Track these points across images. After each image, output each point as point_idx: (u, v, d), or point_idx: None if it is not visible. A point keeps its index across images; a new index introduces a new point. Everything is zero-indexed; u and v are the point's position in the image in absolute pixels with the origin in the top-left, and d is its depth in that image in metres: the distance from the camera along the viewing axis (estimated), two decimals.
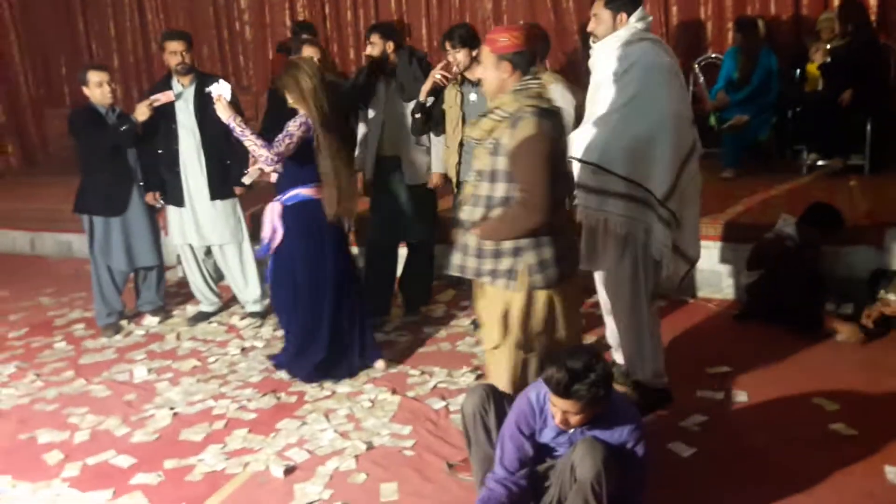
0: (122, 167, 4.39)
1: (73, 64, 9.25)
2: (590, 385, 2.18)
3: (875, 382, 3.31)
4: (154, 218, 4.60)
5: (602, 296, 3.36)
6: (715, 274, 4.48)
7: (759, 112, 5.78)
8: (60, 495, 2.91)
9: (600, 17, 3.03)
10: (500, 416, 2.54)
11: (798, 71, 6.07)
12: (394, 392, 3.58)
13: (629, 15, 2.98)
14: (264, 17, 8.34)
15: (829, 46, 5.53)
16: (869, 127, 5.32)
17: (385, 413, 3.38)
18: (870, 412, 3.07)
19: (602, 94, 3.03)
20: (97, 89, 4.33)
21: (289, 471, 2.96)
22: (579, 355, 2.22)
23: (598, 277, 3.31)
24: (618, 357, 3.44)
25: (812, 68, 5.96)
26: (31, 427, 3.45)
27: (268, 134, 4.45)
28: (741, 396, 3.30)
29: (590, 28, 3.10)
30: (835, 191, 5.02)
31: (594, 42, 3.09)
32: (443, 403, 3.43)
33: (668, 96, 2.91)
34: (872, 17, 5.78)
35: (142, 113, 4.23)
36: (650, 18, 3.05)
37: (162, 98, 4.27)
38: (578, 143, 3.01)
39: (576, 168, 3.06)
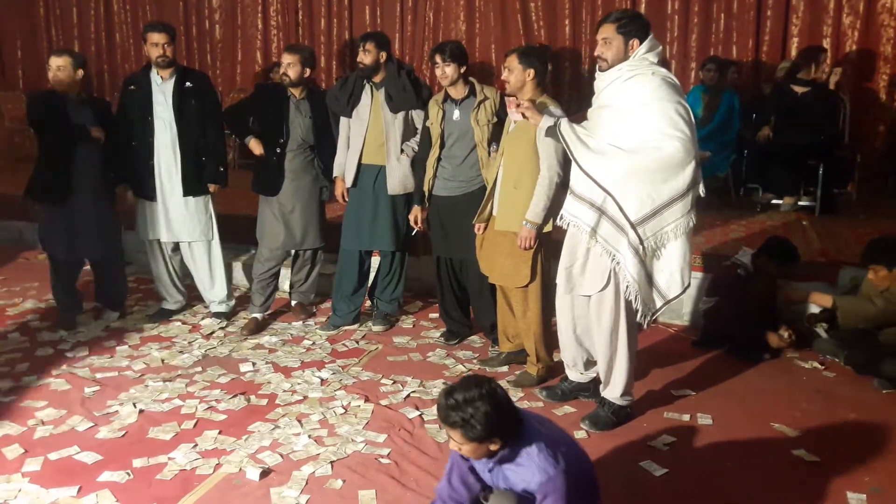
0: (67, 156, 4.21)
1: (30, 48, 8.99)
2: (461, 417, 2.19)
3: (831, 412, 3.47)
4: (108, 212, 4.43)
5: (565, 314, 3.41)
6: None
7: (720, 149, 6.05)
8: (22, 490, 2.78)
9: (611, 42, 3.03)
10: None
11: (755, 114, 6.38)
12: (367, 399, 3.57)
13: (641, 42, 3.02)
14: (236, 18, 8.27)
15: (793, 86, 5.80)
16: (821, 171, 5.62)
17: (359, 420, 3.36)
18: (829, 440, 3.22)
19: (605, 120, 3.08)
20: (49, 73, 4.21)
21: (264, 474, 2.92)
22: (470, 387, 2.23)
23: (571, 297, 3.35)
24: (572, 374, 3.54)
25: None
26: None
27: (228, 119, 4.52)
28: (706, 419, 3.41)
29: (598, 52, 3.09)
30: (789, 229, 5.28)
31: (601, 67, 3.11)
32: (417, 413, 3.44)
33: (671, 141, 2.93)
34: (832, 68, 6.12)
35: (95, 133, 4.21)
36: (660, 48, 3.07)
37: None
38: (584, 155, 3.07)
39: (573, 174, 3.15)
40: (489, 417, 2.19)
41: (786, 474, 2.97)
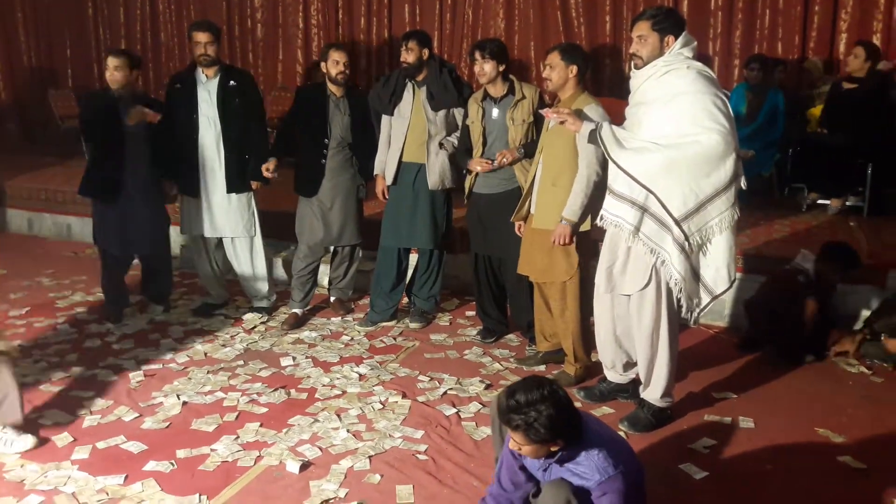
0: (118, 154, 4.31)
1: (79, 47, 9.23)
2: (524, 420, 2.18)
3: (879, 418, 3.38)
4: (159, 208, 4.55)
5: (604, 314, 3.38)
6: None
7: (764, 148, 5.94)
8: (71, 477, 2.87)
9: (647, 39, 3.03)
10: None
11: (800, 112, 6.25)
12: (404, 396, 3.59)
13: (676, 38, 3.00)
14: (277, 16, 8.37)
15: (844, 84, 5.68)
16: (870, 170, 5.47)
17: (396, 416, 3.39)
18: (877, 447, 3.14)
19: (643, 116, 3.06)
20: (107, 72, 4.34)
21: (304, 467, 2.96)
22: (532, 389, 2.22)
23: (611, 297, 3.33)
24: (610, 375, 3.52)
25: (815, 110, 6.14)
26: (37, 408, 3.41)
27: (290, 133, 4.52)
28: (747, 423, 3.36)
29: (633, 50, 3.09)
30: (836, 230, 5.16)
31: (636, 65, 3.11)
32: (453, 410, 3.45)
33: (710, 134, 2.90)
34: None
35: (133, 117, 4.22)
36: (695, 43, 3.05)
37: (150, 116, 4.25)
38: (622, 154, 3.05)
39: (610, 174, 3.13)
40: (552, 420, 2.18)
41: (831, 481, 2.91)
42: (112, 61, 4.31)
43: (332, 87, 4.34)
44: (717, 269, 3.07)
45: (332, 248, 4.68)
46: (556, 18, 7.22)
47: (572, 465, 2.29)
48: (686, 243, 3.01)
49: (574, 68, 3.51)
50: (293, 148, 4.53)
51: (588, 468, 2.26)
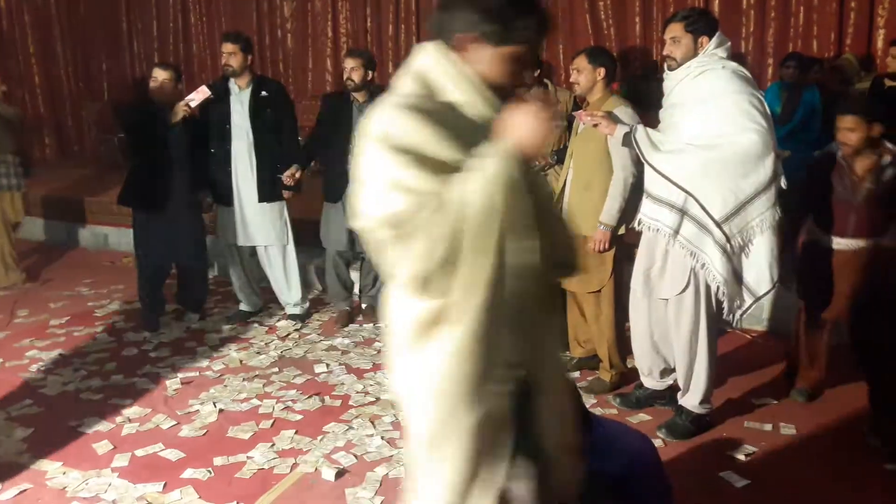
0: (161, 164, 4.36)
1: (114, 60, 9.41)
2: None
3: None
4: (200, 217, 4.61)
5: (641, 320, 3.34)
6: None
7: (802, 148, 5.81)
8: (111, 485, 2.91)
9: (680, 40, 3.00)
10: None
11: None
12: None
13: (710, 38, 2.97)
14: (307, 27, 8.44)
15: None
16: None
17: None
18: None
19: (678, 117, 3.03)
20: (154, 83, 4.41)
21: (339, 474, 2.96)
22: None
23: (648, 302, 3.29)
24: (647, 382, 3.47)
25: None
26: (78, 416, 3.47)
27: (319, 140, 4.56)
28: (789, 429, 3.29)
29: (666, 51, 3.07)
30: None
31: (670, 66, 3.08)
32: None
33: (748, 134, 2.86)
34: None
35: (176, 114, 4.25)
36: (729, 43, 3.02)
37: (197, 97, 4.29)
38: (658, 157, 3.02)
39: (647, 177, 3.10)
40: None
41: (877, 489, 2.83)
42: (161, 73, 4.39)
43: (355, 93, 4.35)
44: (760, 270, 3.02)
45: (361, 256, 4.69)
46: (585, 21, 7.17)
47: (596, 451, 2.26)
48: (728, 245, 2.96)
49: (602, 70, 3.48)
50: (322, 154, 4.57)
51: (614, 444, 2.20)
